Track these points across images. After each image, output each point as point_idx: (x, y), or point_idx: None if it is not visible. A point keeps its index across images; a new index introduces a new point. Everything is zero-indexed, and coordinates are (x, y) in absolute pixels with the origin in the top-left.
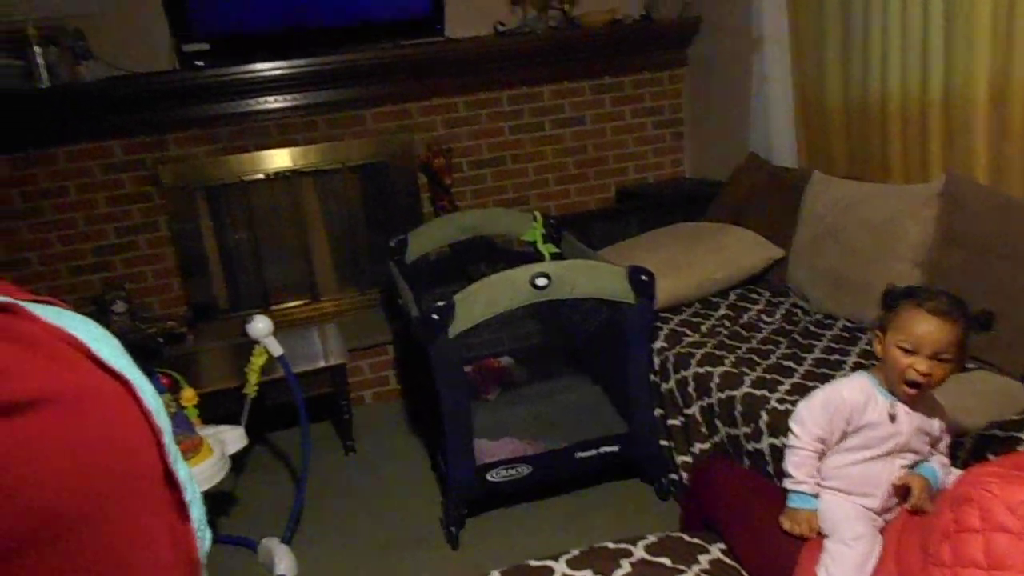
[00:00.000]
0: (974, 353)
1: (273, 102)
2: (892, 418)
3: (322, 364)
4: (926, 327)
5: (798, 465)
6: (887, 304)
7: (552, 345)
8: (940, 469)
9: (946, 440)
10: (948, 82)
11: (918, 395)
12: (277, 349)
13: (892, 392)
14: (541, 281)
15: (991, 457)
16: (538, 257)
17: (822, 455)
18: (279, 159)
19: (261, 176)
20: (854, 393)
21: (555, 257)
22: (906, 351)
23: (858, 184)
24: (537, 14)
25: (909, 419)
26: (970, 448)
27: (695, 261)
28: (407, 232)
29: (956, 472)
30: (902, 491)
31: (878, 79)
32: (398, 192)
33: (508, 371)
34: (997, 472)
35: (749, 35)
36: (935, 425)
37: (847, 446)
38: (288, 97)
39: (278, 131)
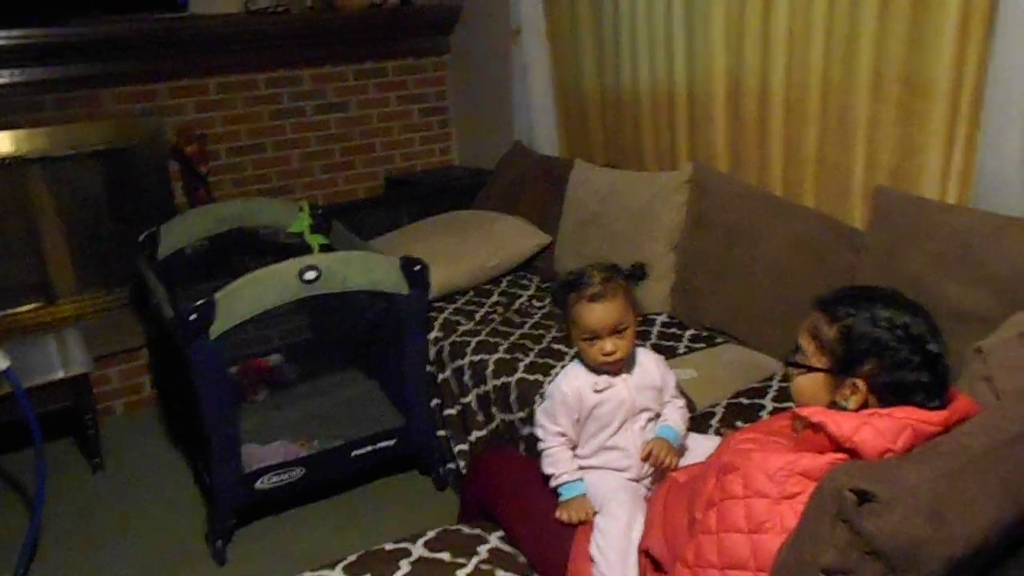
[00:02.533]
0: (723, 328)
1: None
2: (610, 390)
3: (60, 375)
4: (594, 315)
5: (553, 463)
6: (559, 303)
7: (324, 340)
8: (676, 417)
9: (671, 382)
10: (690, 77)
11: (619, 363)
12: (1, 361)
13: (600, 371)
14: (310, 275)
15: (740, 423)
16: (306, 249)
17: (573, 445)
18: None
19: None
20: (571, 384)
21: (324, 249)
22: (589, 339)
23: (617, 172)
24: None
25: (625, 384)
26: (722, 416)
27: (467, 249)
28: (158, 225)
29: (714, 439)
30: (648, 457)
31: (629, 72)
32: (147, 181)
33: (277, 370)
34: (755, 439)
35: (509, 26)
36: (653, 376)
37: (588, 432)
38: (8, 72)
39: None
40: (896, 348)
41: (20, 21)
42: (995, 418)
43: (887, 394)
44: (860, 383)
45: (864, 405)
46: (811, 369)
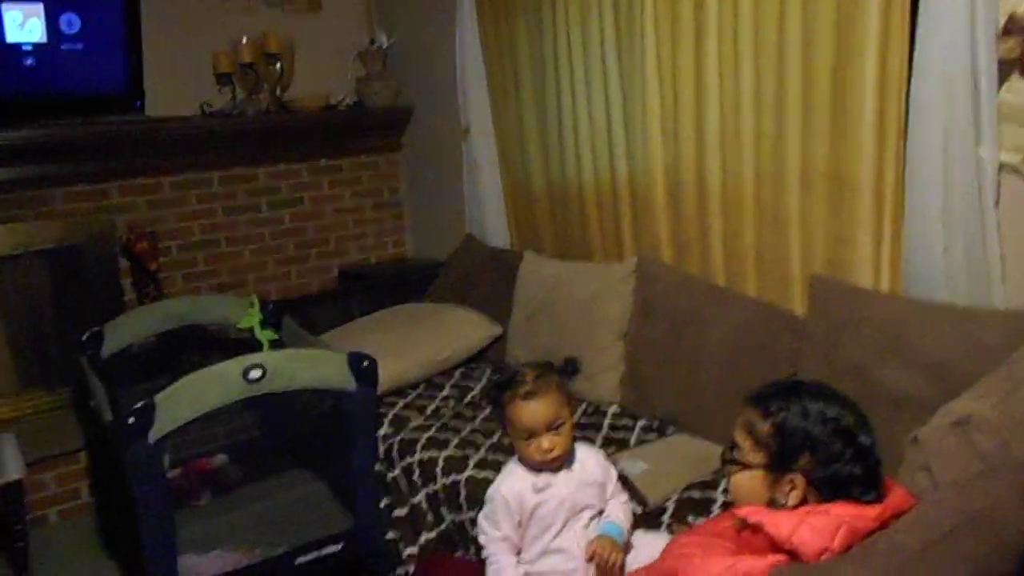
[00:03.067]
0: (672, 418)
1: None
2: (550, 489)
3: None
4: (529, 413)
5: (497, 572)
6: (493, 403)
7: (271, 438)
8: (619, 513)
9: (613, 476)
10: (632, 172)
11: (558, 460)
12: None
13: (540, 469)
14: (255, 374)
15: (691, 519)
16: (256, 345)
17: (517, 550)
18: None
19: None
20: (511, 486)
21: (275, 344)
22: (527, 438)
23: (565, 263)
24: (247, 96)
25: (566, 482)
26: (673, 511)
27: (418, 342)
28: (103, 324)
29: (664, 536)
30: (592, 557)
31: (574, 167)
32: (95, 279)
33: (222, 471)
34: (697, 542)
35: (458, 124)
36: (594, 472)
37: (531, 534)
38: None
39: None
40: (828, 442)
41: None
42: (931, 512)
43: (825, 488)
44: (798, 478)
45: (803, 501)
46: (747, 466)
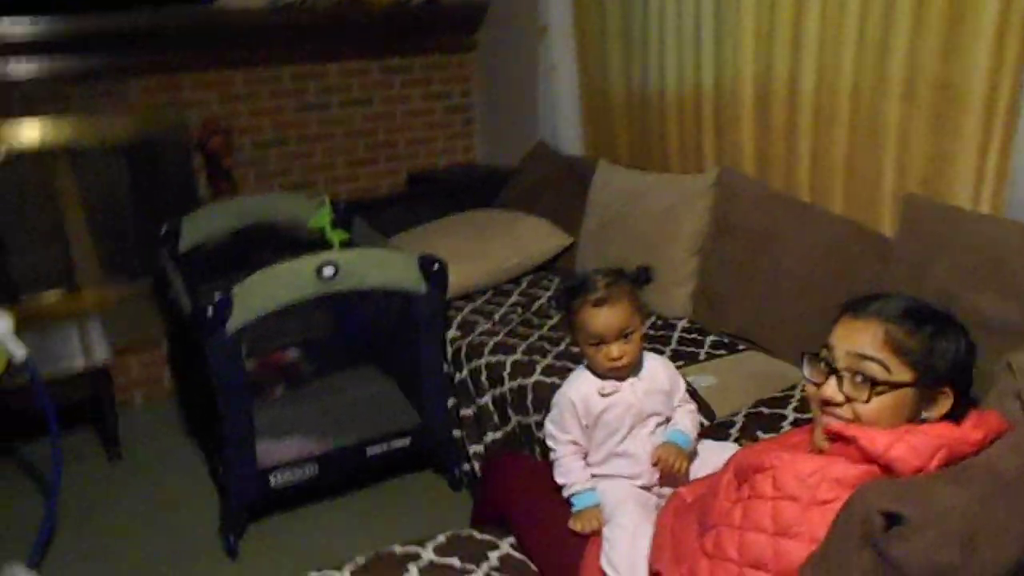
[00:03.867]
0: (744, 335)
1: (15, 68)
2: (617, 394)
3: (81, 366)
4: (600, 320)
5: (565, 473)
6: (562, 310)
7: (343, 336)
8: (687, 422)
9: (681, 386)
10: (718, 80)
11: (626, 368)
12: (19, 350)
13: (606, 376)
14: (328, 271)
15: (759, 434)
16: (327, 245)
17: (585, 453)
18: (25, 133)
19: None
20: (578, 391)
21: (345, 244)
22: (595, 344)
23: (641, 174)
24: None
25: (632, 389)
26: (741, 425)
27: (487, 248)
28: (180, 218)
29: (731, 447)
30: (655, 460)
31: (656, 72)
32: (170, 174)
33: (295, 365)
34: (780, 446)
35: (535, 24)
36: (661, 380)
37: (597, 439)
38: (35, 62)
39: (23, 102)
40: (967, 355)
41: (46, 11)
42: None
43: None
44: (947, 391)
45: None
46: (896, 386)
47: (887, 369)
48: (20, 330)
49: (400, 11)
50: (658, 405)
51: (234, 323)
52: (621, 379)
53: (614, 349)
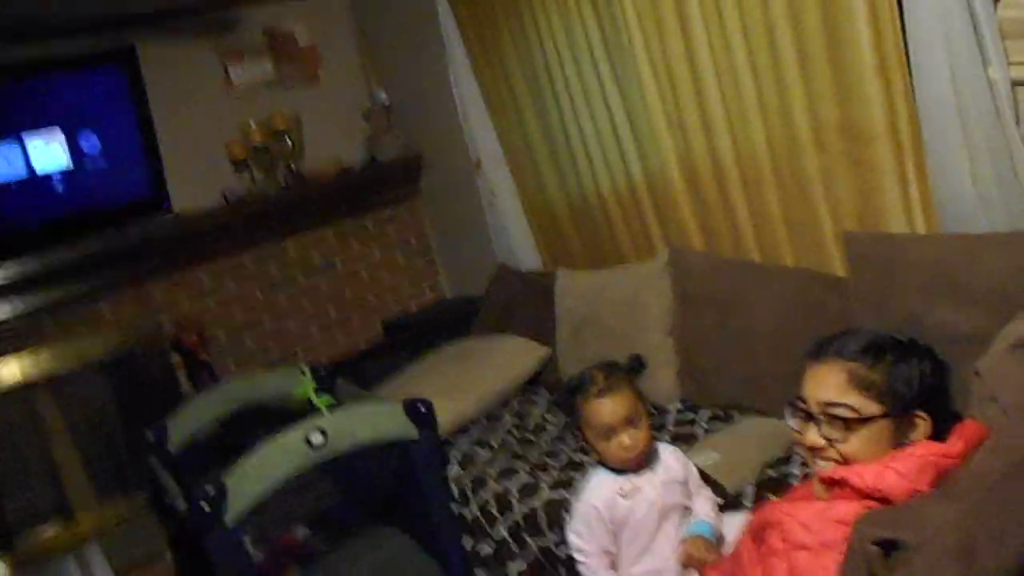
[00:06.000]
0: (736, 402)
1: None
2: (638, 494)
3: None
4: (606, 410)
5: None
6: (566, 410)
7: (349, 502)
8: (707, 508)
9: (692, 471)
10: (646, 170)
11: (640, 457)
12: None
13: (622, 470)
14: (316, 438)
15: (771, 496)
16: (316, 411)
17: (614, 562)
18: (5, 371)
19: None
20: (599, 496)
21: (332, 407)
22: (605, 437)
23: (599, 272)
24: (264, 176)
25: (651, 483)
26: (753, 494)
27: (471, 378)
28: (164, 419)
29: (744, 517)
30: (685, 559)
31: (589, 178)
32: (152, 380)
33: (305, 544)
34: (787, 501)
35: (469, 160)
36: (676, 470)
37: (626, 541)
38: (8, 302)
39: (2, 343)
40: (935, 375)
41: (13, 255)
42: (1005, 438)
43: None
44: (921, 414)
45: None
46: (867, 420)
47: (854, 409)
48: (17, 573)
49: (344, 178)
50: (677, 496)
51: (232, 514)
52: (639, 473)
53: (625, 438)
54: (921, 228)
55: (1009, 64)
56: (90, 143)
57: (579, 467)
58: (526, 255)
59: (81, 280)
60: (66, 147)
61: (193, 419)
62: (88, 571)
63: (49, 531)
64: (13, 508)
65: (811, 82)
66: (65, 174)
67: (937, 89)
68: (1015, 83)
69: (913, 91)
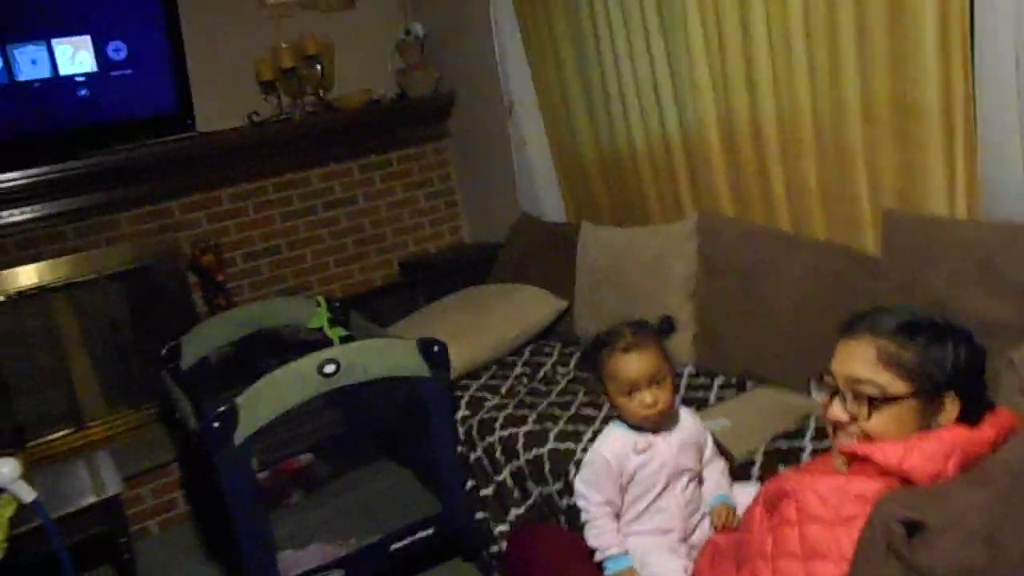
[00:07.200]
0: (751, 371)
1: (9, 216)
2: (651, 450)
3: (92, 500)
4: (631, 365)
5: (598, 536)
6: (590, 365)
7: (354, 433)
8: (724, 480)
9: (708, 438)
10: (683, 127)
11: (661, 417)
12: (28, 494)
13: (640, 427)
14: (329, 368)
15: (782, 467)
16: (327, 343)
17: (617, 514)
18: (23, 277)
19: (1, 298)
20: (611, 448)
21: (344, 340)
22: (627, 393)
23: (624, 230)
24: (292, 101)
25: (667, 443)
26: (762, 463)
27: (486, 324)
28: (179, 337)
29: (756, 486)
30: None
31: (623, 131)
32: (167, 296)
33: (309, 469)
34: (803, 472)
35: (502, 103)
36: (693, 433)
37: (632, 496)
38: (28, 208)
39: (18, 247)
40: (971, 356)
41: (35, 161)
42: None
43: (970, 404)
44: (951, 396)
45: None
46: (895, 399)
47: (881, 386)
48: (30, 473)
49: (372, 111)
50: (690, 460)
51: (241, 434)
52: (655, 432)
53: (648, 395)
54: (962, 211)
55: None
56: (118, 52)
57: (588, 420)
58: (550, 206)
59: (102, 190)
60: (93, 55)
61: (207, 339)
62: (98, 476)
63: (61, 436)
64: (27, 411)
65: (866, 48)
66: (91, 83)
67: (999, 71)
68: None
69: (972, 70)
